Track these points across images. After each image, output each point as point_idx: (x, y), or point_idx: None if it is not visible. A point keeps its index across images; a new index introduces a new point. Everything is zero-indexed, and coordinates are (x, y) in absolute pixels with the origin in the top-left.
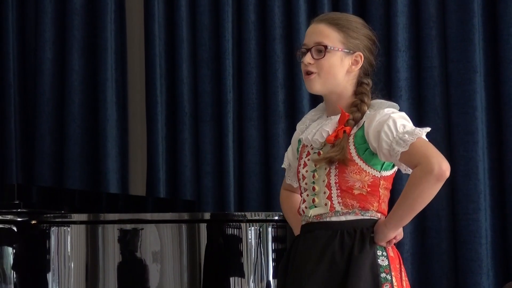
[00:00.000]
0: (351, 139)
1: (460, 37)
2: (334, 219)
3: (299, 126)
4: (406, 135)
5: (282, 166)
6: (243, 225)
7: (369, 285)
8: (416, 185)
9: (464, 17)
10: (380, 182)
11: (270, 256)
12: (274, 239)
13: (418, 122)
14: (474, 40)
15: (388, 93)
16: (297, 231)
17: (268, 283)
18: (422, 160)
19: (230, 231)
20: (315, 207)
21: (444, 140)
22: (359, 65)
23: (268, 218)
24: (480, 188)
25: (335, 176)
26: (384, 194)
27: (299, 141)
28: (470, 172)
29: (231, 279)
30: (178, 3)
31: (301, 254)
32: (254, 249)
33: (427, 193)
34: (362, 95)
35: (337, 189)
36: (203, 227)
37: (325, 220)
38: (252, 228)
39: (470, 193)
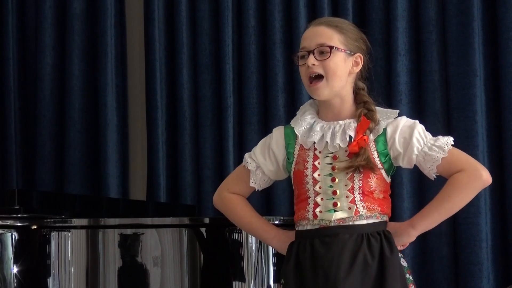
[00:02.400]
0: (372, 146)
1: (460, 41)
2: (358, 222)
3: (298, 127)
4: (439, 142)
5: (248, 167)
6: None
7: (401, 286)
8: (461, 189)
9: (464, 21)
10: (388, 188)
11: (271, 260)
12: None
13: None
14: (474, 44)
15: (388, 97)
16: (274, 233)
17: (269, 287)
18: (467, 166)
19: (230, 235)
20: (336, 211)
21: None
22: (359, 67)
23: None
24: (480, 192)
25: (359, 180)
26: (389, 200)
27: (290, 144)
28: None
29: (232, 283)
30: (178, 8)
31: (324, 257)
32: (255, 254)
33: (470, 197)
34: (368, 103)
35: (360, 194)
36: (203, 231)
37: (348, 223)
38: None
39: None
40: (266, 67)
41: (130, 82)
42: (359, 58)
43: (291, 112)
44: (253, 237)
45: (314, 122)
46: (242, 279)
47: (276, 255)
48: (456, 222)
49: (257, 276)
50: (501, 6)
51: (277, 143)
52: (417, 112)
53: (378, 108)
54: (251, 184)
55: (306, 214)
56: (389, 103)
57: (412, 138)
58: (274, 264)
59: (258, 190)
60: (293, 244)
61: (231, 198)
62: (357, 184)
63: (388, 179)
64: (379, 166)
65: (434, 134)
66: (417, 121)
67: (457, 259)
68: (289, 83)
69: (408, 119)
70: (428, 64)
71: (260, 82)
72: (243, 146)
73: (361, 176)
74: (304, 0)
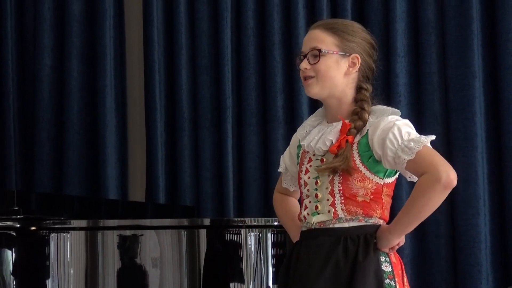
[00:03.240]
0: (354, 147)
1: (459, 43)
2: (337, 225)
3: (300, 131)
4: (412, 143)
5: (279, 169)
6: (242, 230)
7: None
8: (423, 193)
9: (463, 23)
10: (383, 189)
11: (270, 262)
12: (274, 245)
13: (417, 127)
14: (473, 46)
15: (387, 98)
16: (293, 235)
17: None
18: (429, 168)
19: (229, 236)
20: (318, 214)
21: (443, 145)
22: (357, 67)
23: (267, 223)
24: (480, 193)
25: (338, 183)
26: (387, 201)
27: (299, 146)
28: (470, 177)
29: (231, 284)
30: (177, 9)
31: (303, 260)
32: (254, 255)
33: (434, 201)
34: (362, 102)
35: (340, 196)
36: (202, 233)
37: (328, 226)
38: (252, 233)
39: (469, 198)
40: (265, 68)
41: (129, 83)
42: (356, 58)
43: (290, 113)
44: (252, 238)
45: (318, 124)
46: (241, 280)
47: (275, 256)
48: (455, 224)
49: (256, 278)
50: (500, 8)
51: (293, 145)
52: (416, 114)
53: (378, 107)
54: (284, 185)
55: (300, 216)
56: (388, 105)
57: (386, 140)
58: (273, 266)
59: (294, 190)
60: (295, 244)
61: (276, 197)
62: (337, 187)
63: (384, 180)
64: (360, 167)
65: (433, 136)
66: (398, 122)
67: (456, 261)
68: (288, 84)
69: (392, 119)
70: (427, 65)
71: (259, 83)
72: (242, 147)
73: (340, 178)
74: (303, 2)
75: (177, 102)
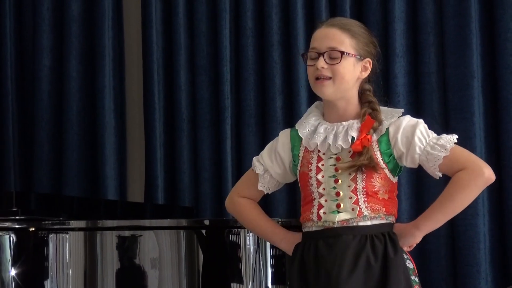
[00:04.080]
0: (375, 146)
1: (457, 43)
2: (361, 223)
3: (301, 130)
4: (442, 141)
5: (256, 171)
6: (241, 231)
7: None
8: (464, 187)
9: (462, 23)
10: (394, 188)
11: (269, 262)
12: (273, 245)
13: None
14: (471, 46)
15: (386, 98)
16: (282, 236)
17: None
18: (468, 164)
19: (228, 237)
20: (339, 212)
21: None
22: (368, 71)
23: None
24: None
25: (362, 181)
26: (396, 200)
27: (297, 146)
28: None
29: (230, 285)
30: (176, 9)
31: (327, 259)
32: (253, 255)
33: (474, 195)
34: (373, 103)
35: (363, 194)
36: (201, 233)
37: (352, 225)
38: (251, 234)
39: None
40: (263, 69)
41: (127, 84)
42: (368, 63)
43: (289, 113)
44: (251, 239)
45: (319, 124)
46: (240, 281)
47: (274, 257)
48: (454, 224)
49: (255, 278)
50: (499, 8)
51: (283, 146)
52: (415, 114)
53: (382, 108)
54: (260, 188)
55: (311, 215)
56: (387, 105)
57: (414, 137)
58: (272, 266)
59: (267, 193)
60: (299, 245)
61: (240, 202)
62: (360, 184)
63: (394, 179)
64: (382, 165)
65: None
66: (420, 120)
67: (455, 261)
68: (287, 85)
69: (412, 118)
70: (425, 65)
71: (258, 83)
72: (241, 148)
73: (364, 176)
74: (302, 2)
75: (176, 102)
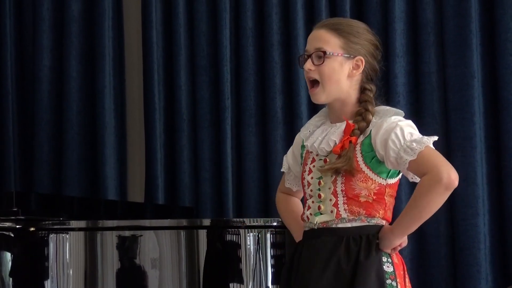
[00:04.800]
0: (358, 148)
1: (457, 43)
2: (340, 225)
3: (303, 131)
4: (414, 144)
5: (282, 169)
6: (241, 231)
7: None
8: (425, 194)
9: (462, 23)
10: (385, 190)
11: (269, 262)
12: (273, 245)
13: (416, 127)
14: (471, 46)
15: (386, 98)
16: (296, 235)
17: None
18: (430, 169)
19: (228, 237)
20: (321, 214)
21: (442, 145)
22: (360, 69)
23: (266, 224)
24: (479, 193)
25: (341, 184)
26: (390, 202)
27: (303, 146)
28: (469, 177)
29: (230, 285)
30: (176, 10)
31: (305, 260)
32: (253, 255)
33: (435, 202)
34: (366, 103)
35: (343, 197)
36: (201, 233)
37: (331, 226)
38: (251, 234)
39: (468, 198)
40: (263, 69)
41: (128, 84)
42: (360, 61)
43: (289, 113)
44: (251, 239)
45: (321, 124)
46: (240, 281)
47: (274, 257)
48: (454, 224)
49: (255, 278)
50: (499, 8)
51: (296, 146)
52: (415, 114)
53: (380, 107)
54: (287, 185)
55: (303, 216)
56: (387, 105)
57: (388, 141)
58: (272, 266)
59: (297, 190)
60: (297, 245)
61: (278, 197)
62: (339, 187)
63: (387, 181)
64: (363, 168)
65: (432, 135)
66: (401, 122)
67: (456, 261)
68: (287, 85)
69: (395, 120)
70: (426, 65)
71: (258, 83)
72: (241, 148)
73: (343, 179)
74: (302, 2)
75: (176, 102)
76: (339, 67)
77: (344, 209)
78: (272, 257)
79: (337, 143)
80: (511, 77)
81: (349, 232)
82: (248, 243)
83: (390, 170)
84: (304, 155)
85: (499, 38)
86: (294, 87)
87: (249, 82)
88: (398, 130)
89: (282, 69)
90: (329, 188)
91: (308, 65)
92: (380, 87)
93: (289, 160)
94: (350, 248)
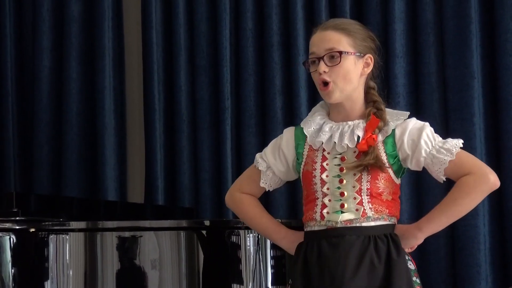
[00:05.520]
0: (381, 146)
1: (457, 43)
2: (365, 224)
3: (306, 128)
4: (447, 145)
5: (259, 168)
6: (241, 232)
7: None
8: (469, 193)
9: (462, 23)
10: (397, 189)
11: (269, 263)
12: (273, 246)
13: None
14: (471, 46)
15: (386, 99)
16: (281, 234)
17: None
18: (475, 169)
19: (228, 238)
20: (343, 212)
21: None
22: (370, 67)
23: None
24: None
25: (367, 182)
26: (399, 202)
27: (301, 145)
28: None
29: (230, 286)
30: (176, 10)
31: (331, 259)
32: (253, 256)
33: (477, 200)
34: (378, 103)
35: (367, 195)
36: (201, 234)
37: (355, 225)
38: (251, 235)
39: None
40: (263, 70)
41: (127, 84)
42: (369, 58)
43: (289, 114)
44: (251, 240)
45: (324, 123)
46: (240, 281)
47: (274, 257)
48: (454, 224)
49: (255, 279)
50: (499, 9)
51: (287, 143)
52: (415, 114)
53: (388, 110)
54: (261, 185)
55: (314, 215)
56: (387, 106)
57: (420, 140)
58: (272, 267)
59: (268, 190)
60: (302, 244)
61: (241, 198)
62: (365, 185)
63: (398, 181)
64: (387, 166)
65: None
66: (426, 123)
67: (455, 261)
68: (287, 86)
69: (418, 121)
70: (425, 66)
71: (258, 84)
72: (241, 149)
73: (369, 177)
74: (301, 3)
75: (176, 103)
76: (353, 66)
77: (370, 208)
78: (272, 258)
79: (360, 139)
80: (511, 77)
81: (374, 231)
82: (248, 244)
83: (401, 171)
84: (305, 153)
85: (499, 38)
86: (294, 88)
87: (249, 83)
88: (428, 131)
89: (282, 69)
90: (353, 187)
91: (323, 67)
92: (382, 88)
93: (269, 159)
94: (378, 247)
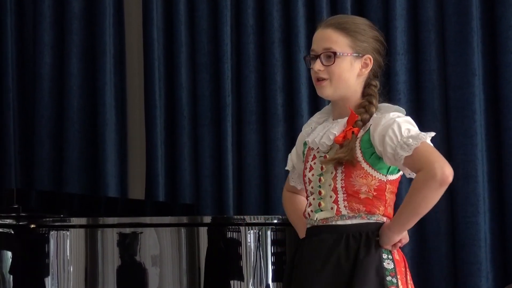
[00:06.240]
0: (357, 143)
1: (458, 40)
2: (340, 222)
3: (305, 128)
4: (410, 140)
5: (286, 168)
6: (242, 228)
7: None
8: (419, 189)
9: (463, 20)
10: (386, 186)
11: (269, 260)
12: (273, 243)
13: (417, 125)
14: (472, 43)
15: (387, 96)
16: (301, 233)
17: (268, 286)
18: (425, 165)
19: (229, 234)
20: (321, 211)
21: (443, 143)
22: (369, 68)
23: (267, 221)
24: (479, 191)
25: (341, 180)
26: (390, 198)
27: (305, 144)
28: (469, 175)
29: (231, 282)
30: (177, 7)
31: (305, 257)
32: (253, 253)
33: (430, 198)
34: (370, 96)
35: (343, 193)
36: (202, 230)
37: (331, 223)
38: (251, 231)
39: (469, 196)
40: (264, 66)
41: (128, 81)
42: (369, 59)
43: (289, 111)
44: (252, 236)
45: (324, 121)
46: (240, 278)
47: (275, 254)
48: (455, 221)
49: (255, 275)
50: (500, 6)
51: (299, 143)
52: (416, 112)
53: (384, 104)
54: (291, 183)
55: (305, 213)
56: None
57: (385, 136)
58: (272, 264)
59: (301, 188)
60: (299, 241)
61: (284, 196)
62: (339, 183)
63: (388, 177)
64: (362, 163)
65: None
66: (399, 118)
67: (456, 258)
68: (288, 82)
69: (395, 116)
70: (427, 63)
71: (259, 81)
72: (242, 145)
73: (343, 175)
74: (303, 0)
75: (177, 100)
76: (349, 67)
77: (344, 206)
78: (272, 254)
79: (337, 135)
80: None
81: (349, 229)
82: (249, 240)
83: (390, 166)
84: (305, 152)
85: (500, 36)
86: (294, 85)
87: (250, 80)
88: (396, 126)
89: (282, 66)
90: (329, 185)
91: (318, 65)
92: (384, 84)
93: (293, 159)
94: (349, 245)
